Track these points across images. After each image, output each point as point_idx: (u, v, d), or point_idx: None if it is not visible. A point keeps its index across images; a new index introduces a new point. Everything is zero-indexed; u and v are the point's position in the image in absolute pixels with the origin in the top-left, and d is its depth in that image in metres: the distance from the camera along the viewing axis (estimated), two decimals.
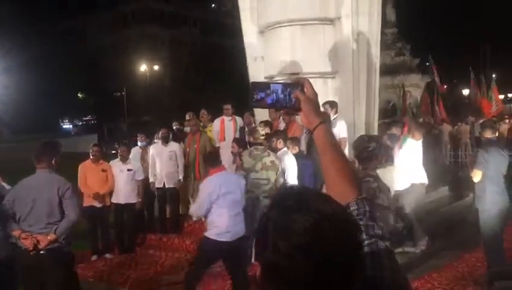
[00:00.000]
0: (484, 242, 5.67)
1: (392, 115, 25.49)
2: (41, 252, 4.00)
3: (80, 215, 4.29)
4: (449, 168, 14.53)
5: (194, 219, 8.05)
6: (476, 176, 5.44)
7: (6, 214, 4.09)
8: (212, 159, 5.14)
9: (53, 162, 4.21)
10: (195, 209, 5.16)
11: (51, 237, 4.01)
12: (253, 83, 1.43)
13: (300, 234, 0.90)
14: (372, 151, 3.52)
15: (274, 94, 1.39)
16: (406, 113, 23.54)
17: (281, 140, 6.12)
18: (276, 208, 0.97)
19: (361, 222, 1.16)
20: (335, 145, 1.36)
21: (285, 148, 6.15)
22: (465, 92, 30.90)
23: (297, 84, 1.41)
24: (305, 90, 1.39)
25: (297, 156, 6.22)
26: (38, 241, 3.97)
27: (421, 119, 23.42)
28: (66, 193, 4.10)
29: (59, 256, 4.08)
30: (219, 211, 4.75)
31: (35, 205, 4.05)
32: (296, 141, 6.50)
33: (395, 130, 6.76)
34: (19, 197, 4.13)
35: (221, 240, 4.75)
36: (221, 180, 4.81)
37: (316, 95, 1.41)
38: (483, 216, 5.55)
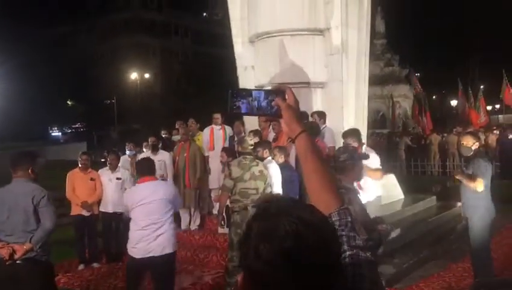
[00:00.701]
0: (472, 252, 5.71)
1: (382, 125, 25.77)
2: (18, 262, 3.93)
3: (57, 223, 4.18)
4: (437, 178, 14.65)
5: (183, 227, 8.05)
6: (480, 185, 5.39)
7: None
8: (141, 167, 4.91)
9: (29, 171, 4.16)
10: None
11: (27, 246, 3.93)
12: (232, 90, 1.41)
13: (281, 238, 0.92)
14: (344, 162, 3.49)
15: (256, 101, 1.37)
16: (395, 123, 23.81)
17: (266, 150, 6.14)
18: (258, 216, 0.99)
19: (343, 233, 1.17)
20: (317, 153, 1.36)
21: (270, 158, 6.18)
22: (454, 102, 31.24)
23: (278, 91, 1.40)
24: (287, 97, 1.38)
25: (284, 166, 6.23)
26: (14, 251, 3.90)
27: (410, 129, 23.70)
28: (41, 201, 4.05)
29: (36, 266, 4.01)
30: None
31: (11, 215, 3.99)
32: (283, 150, 6.52)
33: (350, 140, 6.69)
34: None
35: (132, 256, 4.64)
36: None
37: (297, 102, 1.40)
38: (473, 226, 5.59)
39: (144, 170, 4.81)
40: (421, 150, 18.08)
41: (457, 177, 5.69)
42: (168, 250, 4.63)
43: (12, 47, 37.58)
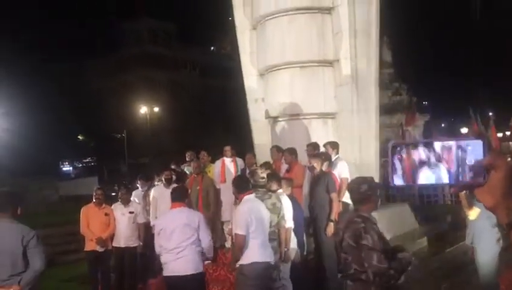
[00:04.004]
0: (482, 282, 5.57)
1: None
2: None
3: (47, 264, 4.00)
4: (451, 207, 14.44)
5: None
6: (473, 213, 5.33)
7: None
8: (174, 193, 5.36)
9: (18, 211, 4.04)
10: None
11: (14, 288, 3.79)
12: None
13: None
14: (364, 193, 3.53)
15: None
16: None
17: (274, 182, 6.14)
18: None
19: None
20: None
21: (281, 190, 6.17)
22: (464, 130, 31.14)
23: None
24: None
25: (290, 198, 6.24)
26: None
27: None
28: (31, 241, 3.90)
29: None
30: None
31: None
32: (290, 182, 6.53)
33: (313, 162, 6.71)
34: None
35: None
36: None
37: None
38: (482, 255, 5.47)
39: (175, 196, 5.26)
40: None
41: (460, 196, 5.54)
42: (192, 271, 4.97)
43: (24, 84, 38.28)
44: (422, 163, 1.10)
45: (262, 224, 4.94)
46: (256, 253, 4.80)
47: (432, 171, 1.09)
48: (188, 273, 4.94)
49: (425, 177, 1.10)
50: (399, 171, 1.13)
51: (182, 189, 5.74)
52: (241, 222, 4.79)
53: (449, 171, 1.08)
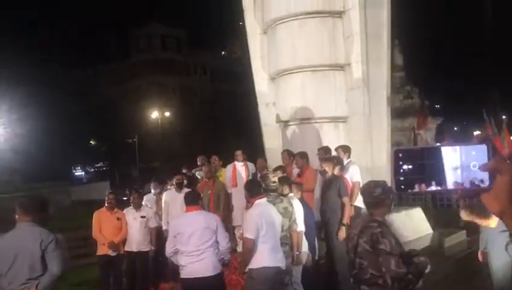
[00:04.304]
0: (496, 287, 5.48)
1: None
2: None
3: (65, 268, 4.06)
4: None
5: None
6: (494, 220, 5.18)
7: None
8: (187, 197, 5.42)
9: (39, 216, 4.08)
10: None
11: None
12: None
13: None
14: (378, 197, 3.51)
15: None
16: None
17: (286, 186, 6.13)
18: None
19: None
20: None
21: (291, 194, 6.16)
22: (476, 133, 30.85)
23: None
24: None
25: (300, 201, 6.24)
26: None
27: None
28: (49, 245, 3.94)
29: None
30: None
31: (16, 260, 3.88)
32: (300, 186, 6.52)
33: (325, 166, 6.65)
34: (0, 252, 3.96)
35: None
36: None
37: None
38: (496, 261, 5.38)
39: (190, 200, 5.31)
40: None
41: (464, 218, 5.27)
42: (212, 272, 5.05)
43: (36, 88, 38.69)
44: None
45: (273, 228, 4.92)
46: (266, 257, 4.78)
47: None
48: (208, 274, 5.00)
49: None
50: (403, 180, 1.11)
51: (196, 193, 5.81)
52: (251, 226, 4.78)
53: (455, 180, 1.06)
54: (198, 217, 5.15)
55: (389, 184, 8.15)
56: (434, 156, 1.07)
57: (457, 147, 1.07)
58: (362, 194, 3.67)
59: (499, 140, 17.88)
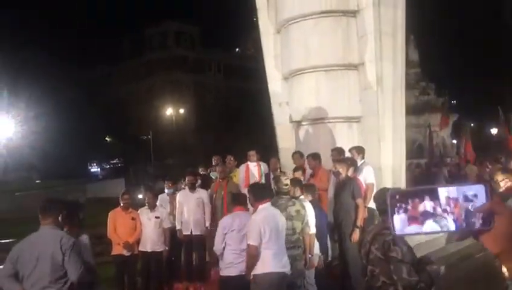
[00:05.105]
0: None
1: (419, 155, 25.25)
2: None
3: (83, 274, 4.02)
4: None
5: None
6: None
7: (9, 274, 3.94)
8: (236, 198, 5.70)
9: (59, 218, 4.12)
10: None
11: None
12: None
13: None
14: None
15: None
16: (433, 153, 23.27)
17: (298, 188, 6.13)
18: None
19: None
20: None
21: (303, 196, 6.16)
22: (494, 131, 30.41)
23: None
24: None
25: (312, 203, 6.23)
26: None
27: (448, 159, 23.12)
28: (68, 249, 3.96)
29: None
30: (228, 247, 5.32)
31: (38, 263, 3.92)
32: (312, 188, 6.50)
33: (339, 167, 6.58)
34: (22, 255, 3.99)
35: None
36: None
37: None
38: None
39: (241, 201, 5.58)
40: (460, 180, 17.55)
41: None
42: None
43: (52, 87, 39.15)
44: (428, 214, 1.07)
45: (277, 234, 4.91)
46: (270, 263, 4.80)
47: (438, 222, 1.06)
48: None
49: (430, 227, 1.07)
50: (402, 220, 1.10)
51: (243, 195, 5.97)
52: (254, 232, 4.82)
53: (455, 221, 1.05)
54: (249, 217, 5.28)
55: (404, 183, 8.06)
56: (431, 197, 1.07)
57: (455, 188, 1.07)
58: (375, 200, 3.65)
59: None
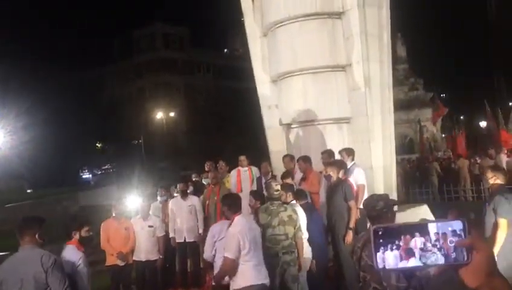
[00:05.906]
0: None
1: (409, 150, 25.41)
2: None
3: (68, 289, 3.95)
4: (472, 204, 14.20)
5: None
6: (503, 226, 4.96)
7: None
8: (229, 203, 5.14)
9: (36, 236, 4.03)
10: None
11: None
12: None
13: None
14: (380, 210, 3.55)
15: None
16: (424, 147, 23.44)
17: (290, 193, 6.15)
18: None
19: None
20: None
21: (294, 201, 6.18)
22: (483, 124, 30.65)
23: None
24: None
25: (305, 207, 6.25)
26: None
27: (439, 153, 23.29)
28: (49, 268, 3.89)
29: None
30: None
31: (23, 286, 3.85)
32: (302, 194, 6.53)
33: (330, 171, 6.62)
34: (6, 278, 3.91)
35: None
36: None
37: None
38: (502, 263, 5.31)
39: (238, 208, 5.11)
40: (453, 174, 17.68)
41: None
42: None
43: (42, 96, 38.83)
44: (418, 250, 1.09)
45: (256, 245, 4.81)
46: (251, 276, 4.70)
47: (428, 257, 1.08)
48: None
49: (421, 261, 1.09)
50: (395, 256, 1.11)
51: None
52: (232, 245, 4.65)
53: (445, 255, 1.07)
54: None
55: (394, 183, 8.06)
56: (413, 232, 1.09)
57: (434, 224, 1.09)
58: (365, 207, 3.68)
59: (505, 131, 17.79)
